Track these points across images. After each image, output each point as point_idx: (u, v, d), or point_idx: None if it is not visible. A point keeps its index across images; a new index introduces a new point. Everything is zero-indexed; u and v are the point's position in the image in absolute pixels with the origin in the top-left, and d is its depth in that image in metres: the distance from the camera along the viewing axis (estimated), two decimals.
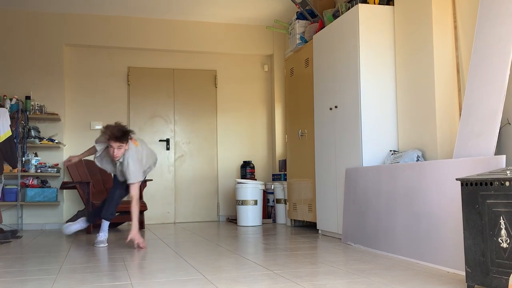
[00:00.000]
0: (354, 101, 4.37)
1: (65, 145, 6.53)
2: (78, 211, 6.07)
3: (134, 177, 4.30)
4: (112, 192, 4.54)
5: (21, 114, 6.13)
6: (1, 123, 5.11)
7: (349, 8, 4.61)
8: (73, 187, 6.00)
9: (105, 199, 4.67)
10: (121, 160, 4.35)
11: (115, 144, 4.23)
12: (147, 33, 6.87)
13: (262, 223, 6.39)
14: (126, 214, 6.10)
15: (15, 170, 5.98)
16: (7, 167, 5.78)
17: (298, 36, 5.63)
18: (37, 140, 6.20)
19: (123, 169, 4.36)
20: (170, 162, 6.98)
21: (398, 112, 4.34)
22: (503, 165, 2.72)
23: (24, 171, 6.12)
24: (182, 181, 7.02)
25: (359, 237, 4.03)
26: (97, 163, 4.51)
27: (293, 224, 5.98)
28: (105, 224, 4.55)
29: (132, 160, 4.32)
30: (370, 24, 4.35)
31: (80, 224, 4.67)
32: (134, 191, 4.30)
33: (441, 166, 3.20)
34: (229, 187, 7.16)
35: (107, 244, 4.53)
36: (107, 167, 4.52)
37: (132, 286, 2.62)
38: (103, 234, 4.54)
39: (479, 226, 2.35)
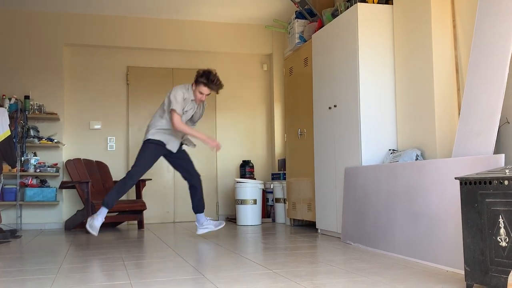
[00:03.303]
0: (353, 100, 4.37)
1: (64, 145, 6.53)
2: (77, 210, 6.07)
3: None
4: (127, 182, 4.59)
5: (20, 114, 6.12)
6: (0, 122, 5.11)
7: (348, 7, 4.61)
8: (73, 187, 6.00)
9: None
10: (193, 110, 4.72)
11: (207, 91, 4.55)
12: (146, 32, 6.87)
13: (262, 223, 6.39)
14: (126, 214, 6.11)
15: (14, 170, 5.98)
16: (6, 167, 5.78)
17: (297, 36, 5.62)
18: (36, 140, 6.19)
19: (196, 113, 4.77)
20: None
21: (397, 111, 4.34)
22: (502, 164, 2.72)
23: (23, 170, 6.12)
24: (182, 180, 6.96)
25: (359, 236, 4.03)
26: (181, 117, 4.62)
27: (293, 223, 5.98)
28: (103, 210, 4.51)
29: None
30: (369, 23, 4.35)
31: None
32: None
33: (440, 165, 3.20)
34: (228, 186, 7.16)
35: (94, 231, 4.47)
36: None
37: (132, 285, 2.62)
38: (98, 218, 4.48)
39: (478, 225, 2.35)
